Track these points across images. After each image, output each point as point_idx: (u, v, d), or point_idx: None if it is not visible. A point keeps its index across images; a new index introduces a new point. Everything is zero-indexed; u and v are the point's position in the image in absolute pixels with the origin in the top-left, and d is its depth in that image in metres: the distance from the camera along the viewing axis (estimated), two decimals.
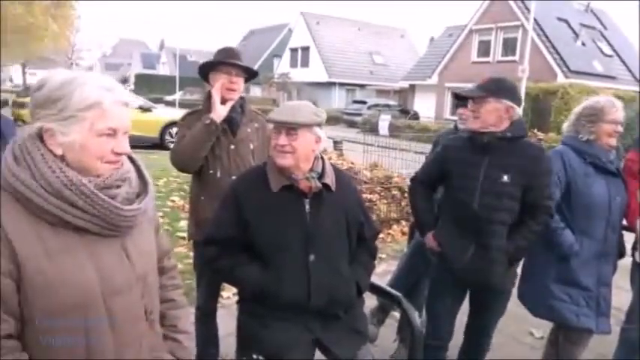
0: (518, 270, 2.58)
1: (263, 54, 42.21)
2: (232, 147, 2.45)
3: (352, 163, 7.16)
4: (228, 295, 3.61)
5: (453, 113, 23.10)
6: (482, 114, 2.30)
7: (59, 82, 1.16)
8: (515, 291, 2.62)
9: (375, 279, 2.21)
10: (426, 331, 2.43)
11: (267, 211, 1.85)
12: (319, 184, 1.87)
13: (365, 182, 6.28)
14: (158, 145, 11.65)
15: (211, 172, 2.43)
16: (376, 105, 26.42)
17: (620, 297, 2.98)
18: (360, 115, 24.66)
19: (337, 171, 2.03)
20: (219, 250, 1.93)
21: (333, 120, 24.60)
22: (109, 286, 1.20)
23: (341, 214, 1.94)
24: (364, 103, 27.08)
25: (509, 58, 23.09)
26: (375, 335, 3.17)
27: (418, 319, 2.20)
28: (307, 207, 1.87)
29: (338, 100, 33.10)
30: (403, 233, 5.73)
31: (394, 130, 17.12)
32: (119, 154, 1.23)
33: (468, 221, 2.31)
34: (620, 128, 2.52)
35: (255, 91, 38.66)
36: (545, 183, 2.33)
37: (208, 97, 2.48)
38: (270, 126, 1.93)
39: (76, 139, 1.16)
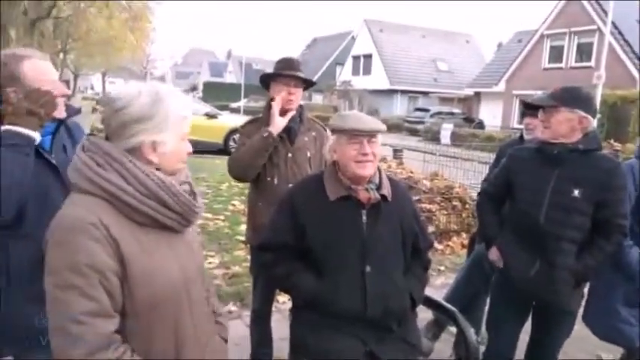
0: (586, 290, 2.43)
1: (325, 62, 42.69)
2: (290, 155, 2.51)
3: (411, 172, 7.06)
4: (284, 299, 3.66)
5: (520, 122, 22.16)
6: (552, 124, 2.19)
7: (150, 100, 1.24)
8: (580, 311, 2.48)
9: (432, 292, 2.17)
10: (486, 348, 2.34)
11: (324, 220, 1.86)
12: (378, 196, 1.87)
13: (424, 192, 6.16)
14: (222, 150, 12.07)
15: (269, 179, 2.49)
16: (439, 113, 25.89)
17: None
18: (422, 123, 24.25)
19: (393, 181, 2.02)
20: (274, 257, 1.97)
21: (394, 128, 24.37)
22: (187, 276, 1.33)
23: (397, 226, 1.92)
24: (427, 110, 26.62)
25: (584, 64, 21.88)
26: (429, 350, 3.09)
27: (474, 335, 2.13)
28: (364, 217, 1.87)
29: (399, 108, 32.79)
30: (463, 246, 5.55)
31: (457, 139, 16.70)
32: (187, 155, 1.37)
33: (533, 235, 2.21)
34: None
35: (317, 99, 39.11)
36: (620, 199, 2.18)
37: (268, 106, 2.55)
38: (329, 134, 1.94)
39: (171, 146, 1.29)
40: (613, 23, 17.37)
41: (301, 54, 46.92)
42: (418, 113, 26.83)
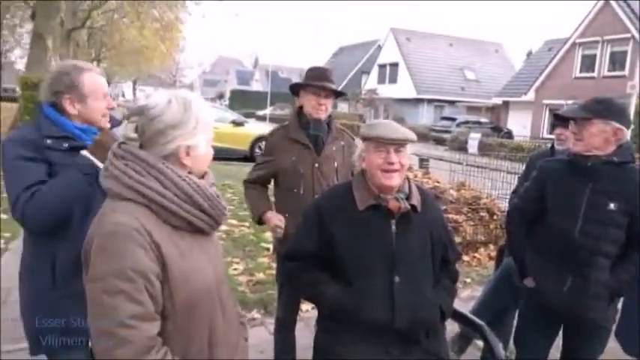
0: (619, 305, 2.35)
1: (351, 70, 42.78)
2: (316, 165, 2.51)
3: (438, 182, 6.97)
4: (307, 308, 3.65)
5: (551, 132, 21.69)
6: (585, 136, 2.14)
7: (182, 106, 1.29)
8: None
9: (459, 304, 2.12)
10: None
11: (353, 230, 1.84)
12: (408, 205, 1.84)
13: (451, 202, 6.07)
14: (248, 157, 12.20)
15: (295, 190, 2.49)
16: (466, 122, 25.54)
17: None
18: (448, 132, 23.96)
19: (422, 191, 1.99)
20: (300, 265, 1.96)
21: (420, 137, 24.08)
22: (218, 277, 1.39)
23: (426, 236, 1.89)
24: (453, 120, 26.28)
25: (617, 73, 21.32)
26: None
27: (502, 350, 2.08)
28: (394, 227, 1.84)
29: (426, 117, 32.52)
30: (490, 257, 5.44)
31: (485, 149, 16.43)
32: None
33: (567, 250, 2.16)
34: None
35: (343, 107, 39.18)
36: None
37: (297, 112, 2.58)
38: (357, 144, 1.93)
39: (202, 149, 1.34)
40: None
41: (327, 62, 47.14)
42: (444, 122, 26.51)
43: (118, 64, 33.61)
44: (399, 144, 1.80)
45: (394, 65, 35.74)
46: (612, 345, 2.34)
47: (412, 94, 33.39)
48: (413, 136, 1.83)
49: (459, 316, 2.25)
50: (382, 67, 37.51)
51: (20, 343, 2.85)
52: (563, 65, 24.16)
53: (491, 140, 19.78)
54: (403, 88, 34.12)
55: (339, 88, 2.69)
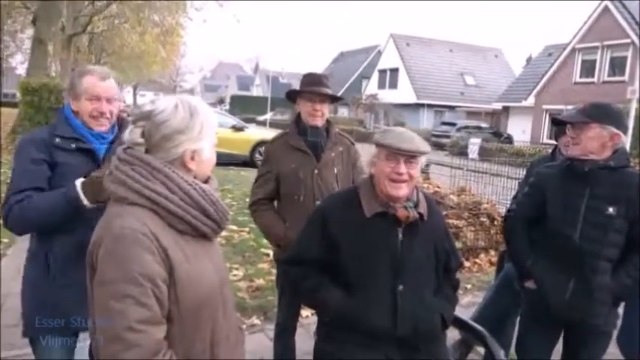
0: (620, 310, 2.34)
1: (352, 76, 42.88)
2: (316, 171, 2.49)
3: (438, 187, 6.96)
4: (307, 314, 3.63)
5: (550, 137, 21.70)
6: (582, 140, 2.15)
7: (188, 111, 1.31)
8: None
9: (459, 311, 2.11)
10: None
11: (358, 236, 1.82)
12: (416, 214, 1.82)
13: (451, 207, 6.06)
14: (248, 162, 12.19)
15: (295, 196, 2.48)
16: (466, 127, 25.56)
17: None
18: (448, 137, 23.98)
19: (426, 197, 1.97)
20: (303, 271, 1.94)
21: None
22: (221, 280, 1.40)
23: (431, 245, 1.88)
24: (453, 124, 26.29)
25: (617, 78, 21.35)
26: None
27: (503, 357, 2.06)
28: (400, 236, 1.82)
29: (426, 122, 32.55)
30: (491, 263, 5.43)
31: (485, 154, 16.43)
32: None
33: (568, 255, 2.15)
34: None
35: (343, 112, 39.24)
36: None
37: (296, 120, 2.58)
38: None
39: (207, 153, 1.35)
40: None
41: (328, 67, 47.27)
42: (444, 127, 26.52)
43: (119, 69, 33.67)
44: (410, 155, 1.77)
45: (394, 70, 35.82)
46: (612, 350, 2.32)
47: (412, 99, 33.44)
48: (426, 148, 1.78)
49: (459, 323, 2.24)
50: (382, 72, 37.60)
51: (18, 349, 2.84)
52: (563, 70, 24.20)
53: (491, 145, 19.80)
54: (403, 93, 34.17)
55: (340, 93, 2.70)
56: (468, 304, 4.17)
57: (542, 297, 2.24)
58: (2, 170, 7.66)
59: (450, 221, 5.62)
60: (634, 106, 13.28)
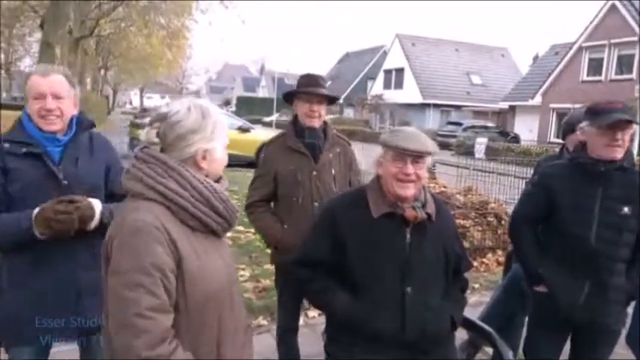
0: (630, 309, 2.33)
1: (357, 76, 42.83)
2: (314, 173, 2.48)
3: (445, 187, 6.93)
4: (314, 314, 3.63)
5: (557, 136, 21.56)
6: (625, 141, 2.11)
7: (200, 112, 1.38)
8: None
9: (466, 311, 2.09)
10: None
11: (366, 237, 1.80)
12: (424, 215, 1.80)
13: (458, 207, 6.03)
14: (254, 164, 12.18)
15: (294, 198, 2.46)
16: (472, 127, 25.44)
17: None
18: (454, 136, 23.88)
19: (435, 198, 1.95)
20: (310, 273, 1.93)
21: None
22: (230, 277, 1.46)
23: (440, 246, 1.86)
24: (459, 124, 26.19)
25: (625, 76, 21.19)
26: None
27: (512, 357, 2.05)
28: (408, 236, 1.80)
29: (432, 122, 32.45)
30: (499, 263, 5.40)
31: (491, 153, 16.37)
32: None
33: (583, 257, 2.13)
34: None
35: (349, 113, 39.20)
36: None
37: (293, 121, 2.57)
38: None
39: (219, 153, 1.42)
40: None
41: (333, 68, 47.28)
42: (450, 127, 26.42)
43: (125, 72, 33.93)
44: (417, 155, 1.75)
45: (400, 70, 35.74)
46: (622, 351, 2.30)
47: (418, 99, 33.34)
48: (433, 148, 1.77)
49: (467, 324, 2.23)
50: (388, 72, 37.51)
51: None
52: (570, 69, 24.04)
53: (498, 144, 19.70)
54: (409, 93, 34.08)
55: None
56: (475, 304, 4.14)
57: (553, 300, 2.21)
58: None
59: (457, 221, 5.60)
60: None
